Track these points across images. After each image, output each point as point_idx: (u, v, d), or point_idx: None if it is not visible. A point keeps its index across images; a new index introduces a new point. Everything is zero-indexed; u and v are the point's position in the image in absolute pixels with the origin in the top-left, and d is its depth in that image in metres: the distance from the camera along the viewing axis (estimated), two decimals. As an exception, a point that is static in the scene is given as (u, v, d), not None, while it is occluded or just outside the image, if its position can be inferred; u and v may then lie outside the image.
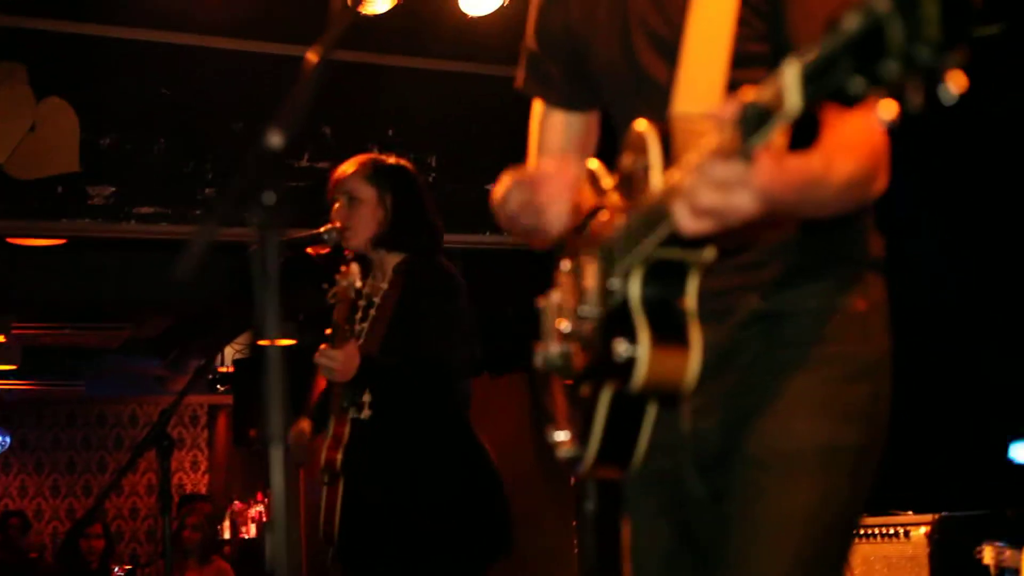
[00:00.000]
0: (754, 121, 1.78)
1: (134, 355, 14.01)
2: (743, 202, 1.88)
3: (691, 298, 2.13)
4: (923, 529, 5.13)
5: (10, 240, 7.62)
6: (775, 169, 1.86)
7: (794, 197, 2.00)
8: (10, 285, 9.11)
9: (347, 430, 4.63)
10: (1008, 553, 4.76)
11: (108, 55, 6.66)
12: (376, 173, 4.77)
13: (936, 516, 5.12)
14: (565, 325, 2.42)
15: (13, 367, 12.60)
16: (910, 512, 5.22)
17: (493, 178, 7.39)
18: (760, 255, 2.40)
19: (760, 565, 2.34)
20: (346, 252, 4.76)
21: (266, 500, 14.19)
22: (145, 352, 13.78)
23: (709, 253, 2.09)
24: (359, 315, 4.77)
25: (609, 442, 2.28)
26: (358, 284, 4.53)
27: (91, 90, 6.53)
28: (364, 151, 4.96)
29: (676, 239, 2.02)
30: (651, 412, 2.25)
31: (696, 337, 2.12)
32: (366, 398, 4.62)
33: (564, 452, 2.40)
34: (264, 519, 13.99)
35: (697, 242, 2.05)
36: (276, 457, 2.00)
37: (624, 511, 2.68)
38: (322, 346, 4.47)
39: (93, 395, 15.90)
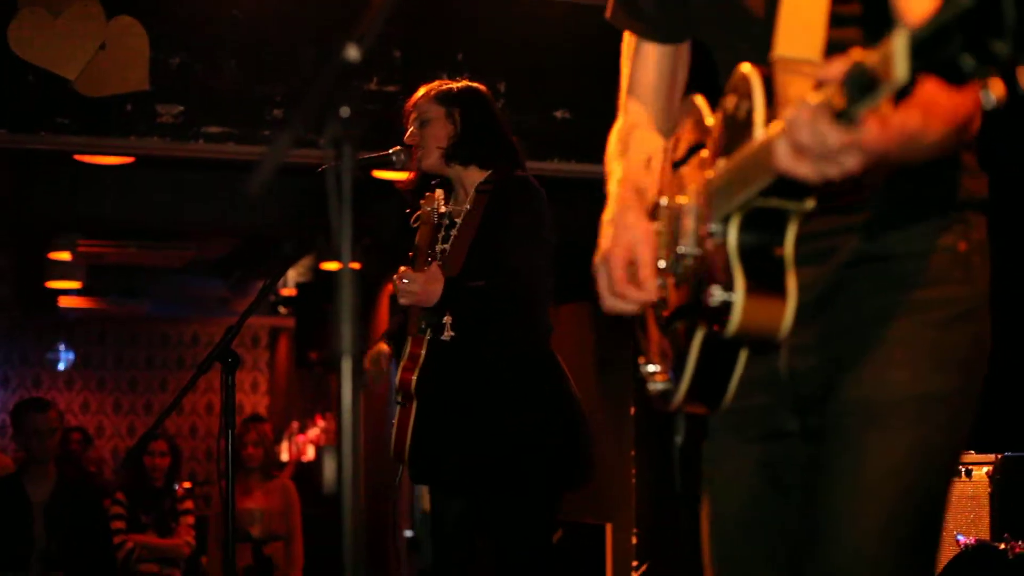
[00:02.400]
0: (860, 86, 1.77)
1: (197, 275, 14.11)
2: (848, 162, 1.89)
3: (789, 246, 2.12)
4: (985, 469, 5.09)
5: (78, 157, 7.67)
6: (881, 130, 1.87)
7: (895, 152, 2.01)
8: (77, 203, 9.18)
9: (424, 351, 4.64)
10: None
11: (179, -26, 6.67)
12: (443, 93, 4.76)
13: (999, 456, 5.08)
14: (661, 260, 2.39)
15: (78, 284, 12.70)
16: (972, 452, 5.17)
17: (561, 105, 7.43)
18: (860, 197, 2.35)
19: (858, 521, 2.31)
20: (415, 173, 4.77)
21: (325, 423, 14.31)
22: (208, 273, 13.87)
23: (809, 203, 2.08)
24: (441, 235, 4.76)
25: (700, 381, 2.29)
26: (442, 209, 4.50)
27: (161, 9, 6.55)
28: (433, 75, 4.97)
29: (776, 188, 2.03)
30: (743, 355, 2.26)
31: (792, 286, 2.12)
32: (447, 319, 4.62)
33: (654, 385, 2.40)
34: (322, 442, 14.12)
35: (797, 192, 2.05)
36: (345, 371, 2.00)
37: (707, 444, 2.64)
38: (401, 268, 4.47)
39: (156, 314, 16.03)
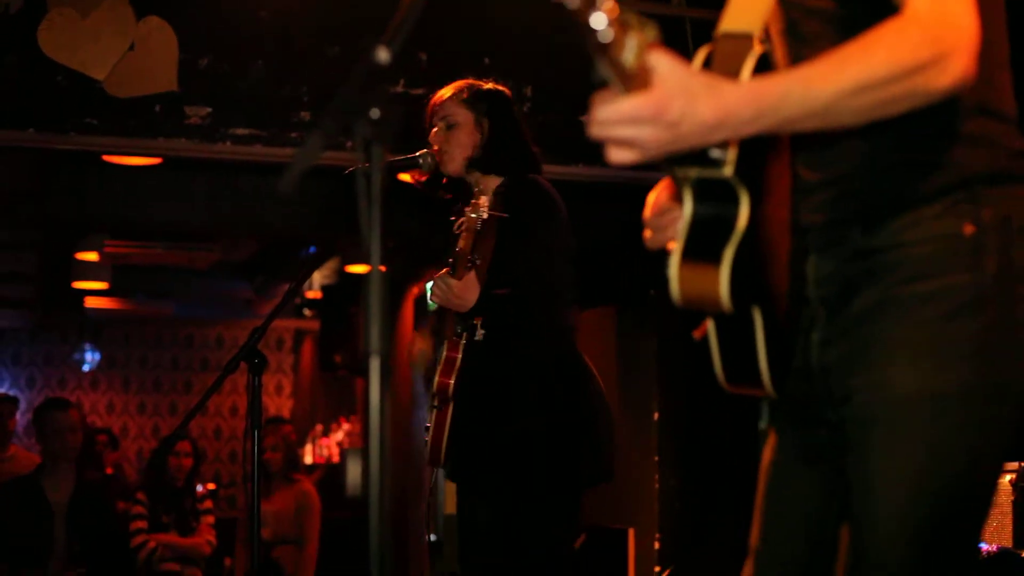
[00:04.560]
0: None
1: (223, 277, 14.13)
2: (631, 132, 1.99)
3: (741, 219, 2.14)
4: (1008, 477, 5.07)
5: (105, 158, 7.69)
6: (674, 96, 1.95)
7: (748, 115, 2.02)
8: (104, 204, 9.20)
9: (460, 355, 4.65)
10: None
11: (208, -24, 6.70)
12: (472, 96, 4.77)
13: (1022, 464, 5.06)
14: None
15: (104, 285, 12.73)
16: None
17: (588, 109, 7.46)
18: (857, 182, 2.35)
19: (878, 530, 2.28)
20: (443, 179, 4.78)
21: (349, 426, 14.33)
22: (234, 275, 13.89)
23: (728, 169, 2.12)
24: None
25: (729, 361, 2.34)
26: (485, 216, 4.51)
27: (190, 10, 6.57)
28: (459, 78, 4.96)
29: (688, 157, 2.11)
30: (759, 332, 2.25)
31: (728, 255, 2.13)
32: (477, 319, 4.64)
33: (718, 371, 2.41)
34: (347, 445, 14.14)
35: (706, 159, 2.12)
36: (374, 371, 2.02)
37: (770, 426, 2.63)
38: (443, 271, 4.48)
39: (181, 316, 16.08)
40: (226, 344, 16.74)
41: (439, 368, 4.66)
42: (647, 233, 2.50)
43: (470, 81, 4.84)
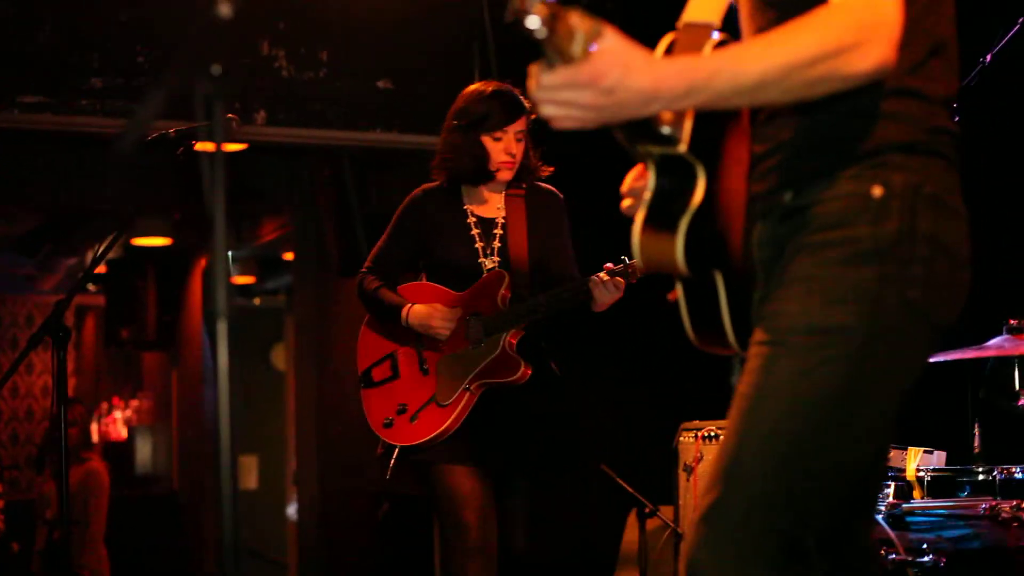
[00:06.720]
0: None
1: (2, 252, 13.77)
2: (568, 96, 2.17)
3: (697, 193, 2.41)
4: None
5: None
6: (611, 65, 2.14)
7: (681, 89, 2.20)
8: None
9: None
10: (892, 454, 4.87)
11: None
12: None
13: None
14: None
15: None
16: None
17: (383, 75, 7.36)
18: (790, 153, 2.49)
19: (738, 439, 2.40)
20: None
21: (137, 403, 14.10)
22: (14, 250, 13.55)
23: (681, 146, 2.36)
24: (479, 237, 4.92)
25: (697, 320, 2.59)
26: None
27: (-27, -25, 6.39)
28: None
29: (638, 133, 2.37)
30: (721, 294, 2.53)
31: (684, 224, 2.39)
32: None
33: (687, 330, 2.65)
34: (135, 423, 13.94)
35: (655, 136, 2.35)
36: (221, 332, 1.99)
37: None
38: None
39: (-42, 293, 15.64)
40: (4, 320, 16.29)
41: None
42: (625, 202, 2.66)
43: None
